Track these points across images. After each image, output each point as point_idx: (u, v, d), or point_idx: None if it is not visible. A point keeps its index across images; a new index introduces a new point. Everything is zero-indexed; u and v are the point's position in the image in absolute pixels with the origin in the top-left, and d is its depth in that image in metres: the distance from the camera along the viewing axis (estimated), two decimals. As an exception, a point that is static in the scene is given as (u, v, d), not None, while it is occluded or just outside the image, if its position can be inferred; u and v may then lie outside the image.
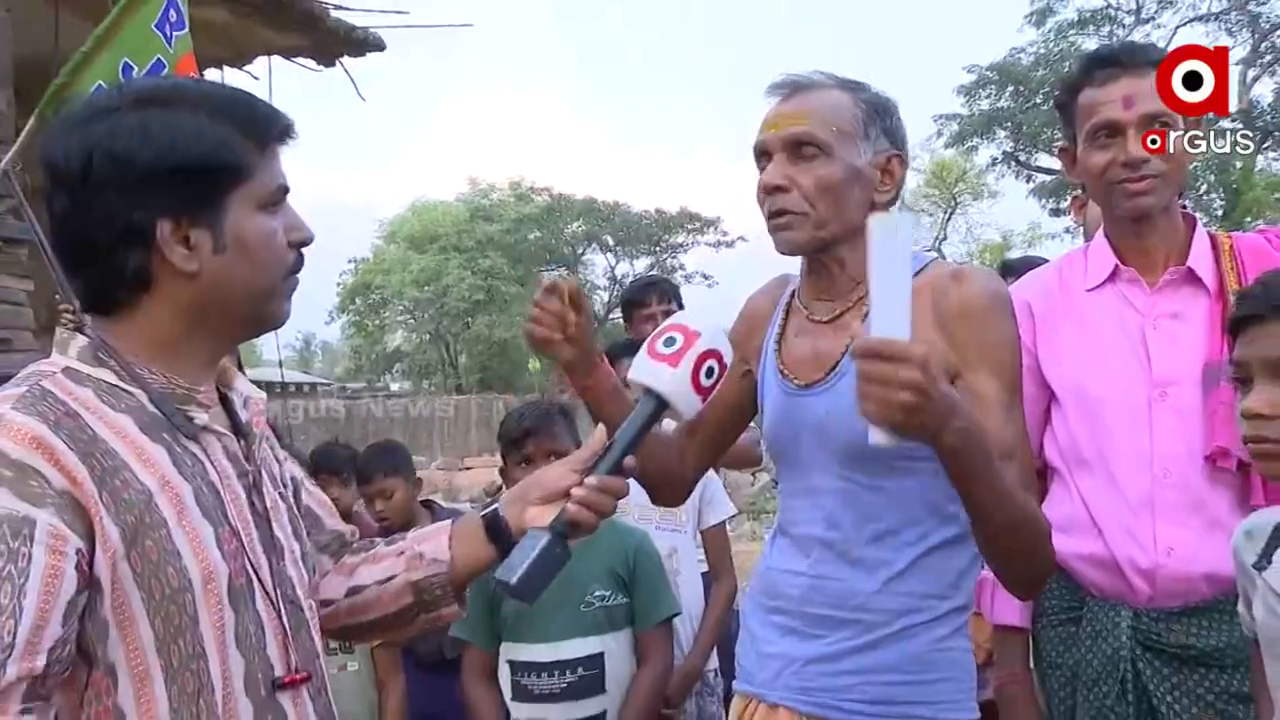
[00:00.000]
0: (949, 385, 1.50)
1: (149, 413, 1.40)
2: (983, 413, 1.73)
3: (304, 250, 1.52)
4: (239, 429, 1.53)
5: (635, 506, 3.29)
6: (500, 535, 1.66)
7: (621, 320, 5.28)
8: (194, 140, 1.38)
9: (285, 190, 1.48)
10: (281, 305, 1.51)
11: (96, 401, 1.37)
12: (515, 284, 39.18)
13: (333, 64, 7.20)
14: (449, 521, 1.75)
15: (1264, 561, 1.69)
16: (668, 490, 2.21)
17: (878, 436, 1.48)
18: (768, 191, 1.85)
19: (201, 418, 1.45)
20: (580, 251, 42.70)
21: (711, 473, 3.53)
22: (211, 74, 7.13)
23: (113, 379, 1.40)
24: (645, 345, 1.68)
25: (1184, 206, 2.24)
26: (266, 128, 1.46)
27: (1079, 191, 3.40)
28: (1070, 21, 30.09)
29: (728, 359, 1.69)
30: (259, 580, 1.44)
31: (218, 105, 1.43)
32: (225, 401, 1.55)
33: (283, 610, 1.47)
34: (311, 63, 7.18)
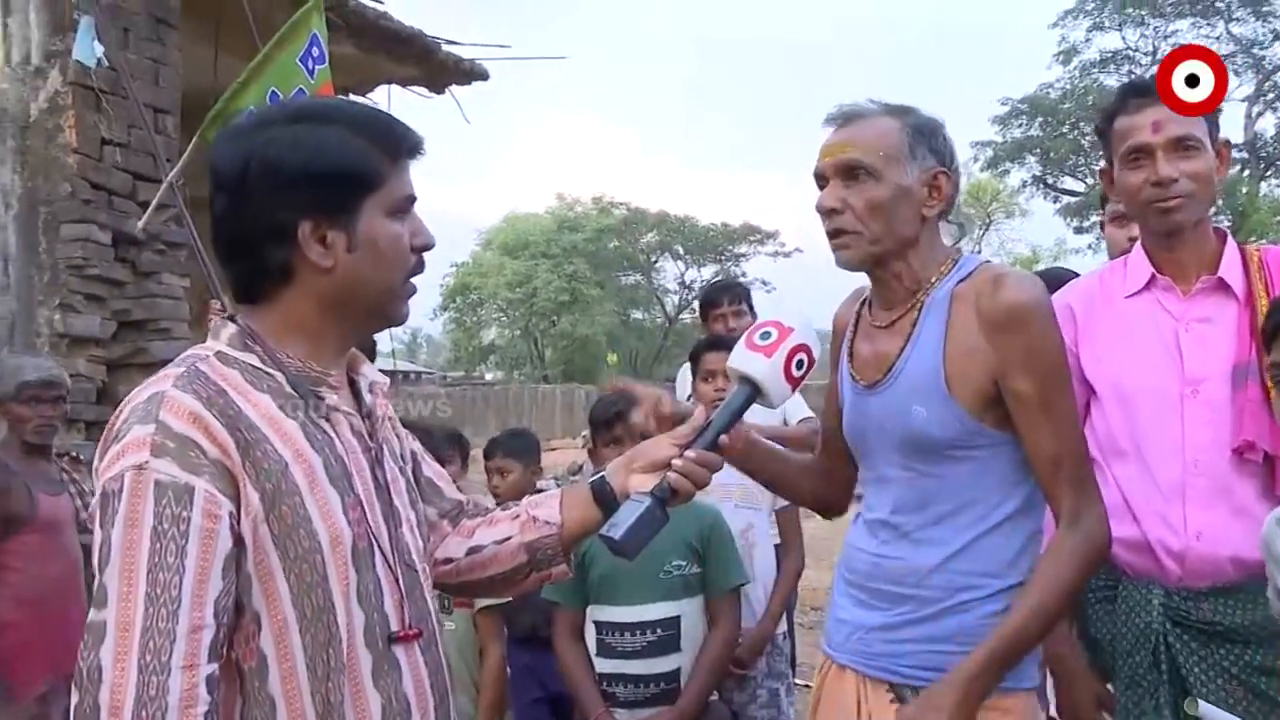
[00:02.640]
0: (961, 689, 1.66)
1: (286, 393, 1.39)
2: (1025, 414, 1.73)
3: (425, 255, 1.51)
4: (364, 410, 1.52)
5: (717, 485, 3.26)
6: (606, 500, 1.65)
7: (692, 320, 5.24)
8: (335, 152, 1.39)
9: (412, 199, 1.47)
10: (403, 304, 1.50)
11: (242, 381, 1.37)
12: (596, 287, 39.34)
13: (443, 92, 7.28)
14: (560, 489, 1.74)
15: None
16: (831, 506, 2.15)
17: None
18: (823, 214, 1.83)
19: (331, 398, 1.44)
20: (654, 259, 42.77)
21: None
22: (339, 100, 7.26)
23: (256, 362, 1.40)
24: (744, 337, 1.68)
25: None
26: (399, 143, 1.45)
27: (1102, 213, 3.33)
28: (1093, 61, 30.00)
29: (816, 353, 1.68)
30: (379, 545, 1.43)
31: (358, 122, 1.43)
32: (353, 385, 1.54)
33: (399, 572, 1.45)
34: (424, 90, 7.27)
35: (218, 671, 1.27)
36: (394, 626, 1.43)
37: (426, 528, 1.63)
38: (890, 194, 1.78)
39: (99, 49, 4.31)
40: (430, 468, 1.74)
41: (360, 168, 1.40)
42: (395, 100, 7.30)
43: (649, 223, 41.14)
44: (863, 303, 1.97)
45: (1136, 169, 2.05)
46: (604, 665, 2.80)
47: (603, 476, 1.69)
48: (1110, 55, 29.89)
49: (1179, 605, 2.01)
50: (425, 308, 41.99)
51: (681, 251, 41.68)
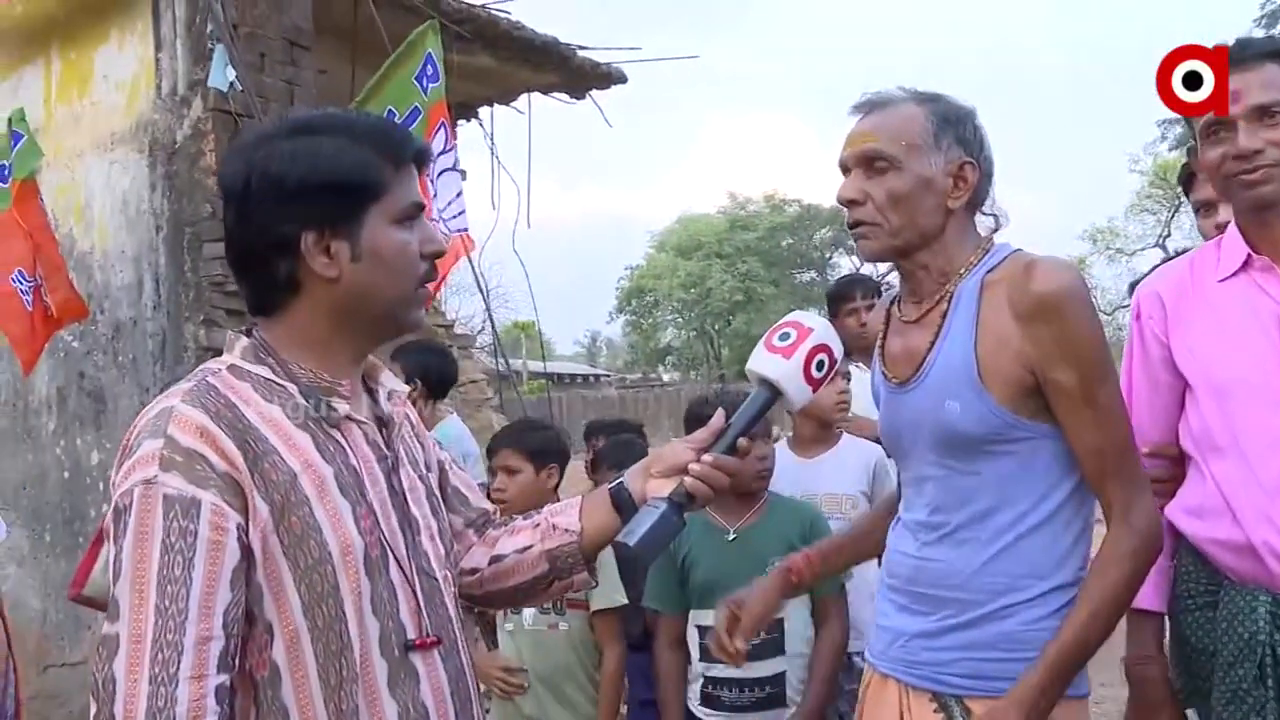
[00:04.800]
0: (1022, 711, 1.59)
1: (298, 404, 1.41)
2: (1066, 405, 1.67)
3: (436, 261, 1.51)
4: (382, 419, 1.53)
5: (824, 496, 3.23)
6: (625, 505, 1.63)
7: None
8: (335, 162, 1.40)
9: (420, 206, 1.47)
10: (415, 311, 1.49)
11: (252, 394, 1.39)
12: (770, 285, 39.30)
13: (583, 96, 7.33)
14: (580, 496, 1.72)
15: None
16: None
17: None
18: (844, 204, 1.79)
19: (343, 408, 1.44)
20: (828, 256, 42.34)
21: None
22: (483, 112, 7.43)
23: (269, 374, 1.42)
24: (763, 338, 1.66)
25: None
26: (400, 151, 1.45)
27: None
28: (1304, 24, 27.33)
29: (838, 354, 1.65)
30: (393, 553, 1.43)
31: (358, 132, 1.44)
32: (372, 394, 1.55)
33: (416, 580, 1.45)
34: (565, 97, 7.35)
35: (229, 682, 1.29)
36: (410, 634, 1.43)
37: (451, 536, 1.62)
38: (911, 185, 1.74)
39: (231, 74, 4.52)
40: (459, 477, 1.74)
41: (361, 177, 1.41)
42: (550, 109, 7.44)
43: (823, 218, 40.76)
44: (894, 299, 1.91)
45: (1216, 143, 1.88)
46: (710, 670, 2.77)
47: (621, 482, 1.66)
48: (1327, 17, 27.39)
49: None
50: (602, 311, 42.88)
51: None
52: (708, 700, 2.76)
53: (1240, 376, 1.88)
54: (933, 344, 1.75)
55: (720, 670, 2.73)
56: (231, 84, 4.49)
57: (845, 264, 42.06)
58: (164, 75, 5.00)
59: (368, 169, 1.41)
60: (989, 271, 1.74)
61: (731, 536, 2.79)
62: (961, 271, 1.76)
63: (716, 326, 41.47)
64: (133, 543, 1.27)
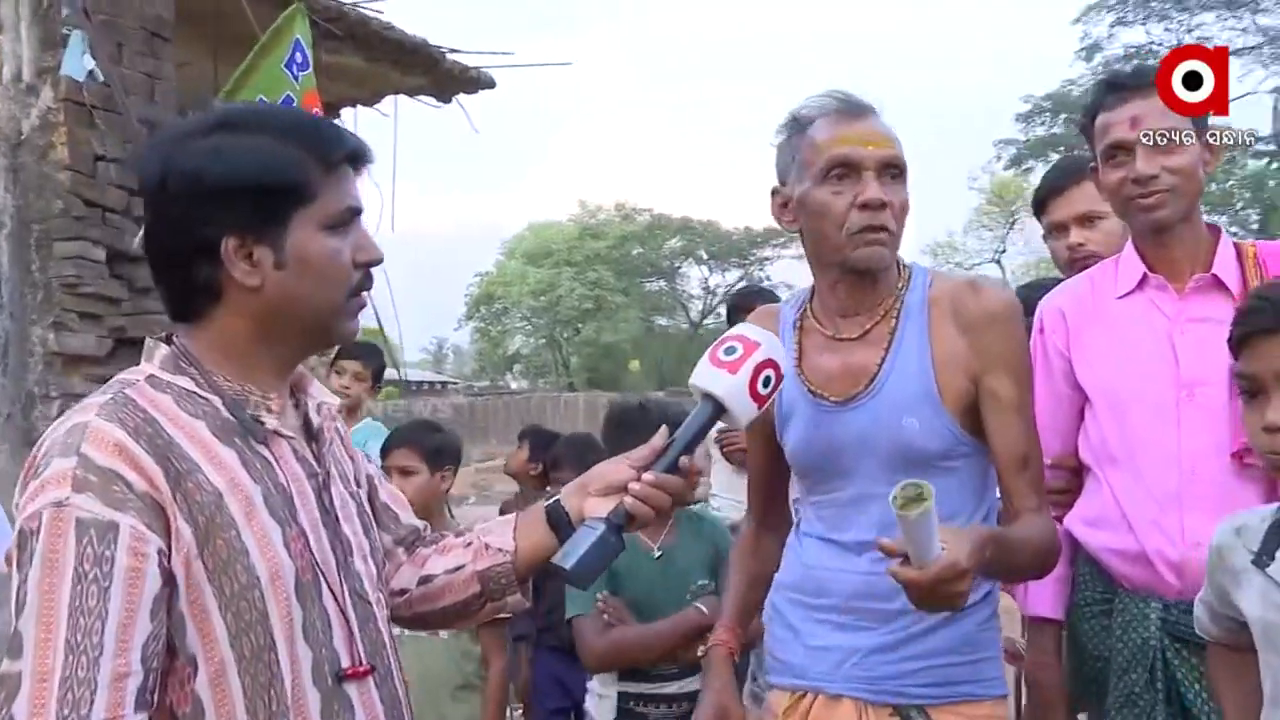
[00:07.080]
0: (971, 552, 1.49)
1: (223, 418, 1.32)
2: (1000, 413, 1.75)
3: (372, 270, 1.42)
4: (311, 433, 1.45)
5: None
6: (561, 524, 1.56)
7: (717, 326, 5.16)
8: (259, 162, 1.31)
9: (355, 211, 1.38)
10: (345, 322, 1.41)
11: (174, 407, 1.30)
12: (620, 294, 39.56)
13: (450, 100, 7.27)
14: (515, 514, 1.65)
15: (1265, 558, 1.57)
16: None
17: None
18: (876, 207, 1.71)
19: (271, 422, 1.36)
20: (677, 265, 42.89)
21: None
22: (346, 113, 7.25)
23: (191, 386, 1.32)
24: (708, 352, 1.60)
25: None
26: (331, 150, 1.36)
27: None
28: (1117, 56, 29.62)
29: (785, 369, 1.61)
30: (325, 577, 1.35)
31: (286, 130, 1.35)
32: (300, 407, 1.47)
33: (349, 604, 1.38)
34: (432, 100, 7.25)
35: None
36: (344, 663, 1.35)
37: (382, 555, 1.55)
38: (907, 202, 1.78)
39: (89, 63, 4.28)
40: (388, 491, 1.66)
41: (287, 179, 1.32)
42: (405, 110, 7.30)
43: (672, 228, 41.30)
44: (801, 316, 1.89)
45: (1117, 166, 1.98)
46: (635, 688, 2.70)
47: (557, 500, 1.60)
48: (1134, 50, 29.57)
49: (1178, 619, 1.90)
50: (450, 318, 42.38)
51: (705, 256, 41.83)
52: (634, 718, 2.69)
53: (1135, 390, 1.98)
54: (883, 361, 1.76)
55: (649, 688, 2.68)
56: (90, 73, 4.24)
57: (694, 273, 42.75)
58: (7, 60, 4.68)
59: (294, 170, 1.32)
60: (928, 288, 1.79)
61: (657, 554, 2.75)
62: (898, 287, 1.80)
63: (566, 334, 41.49)
64: (40, 571, 1.16)
